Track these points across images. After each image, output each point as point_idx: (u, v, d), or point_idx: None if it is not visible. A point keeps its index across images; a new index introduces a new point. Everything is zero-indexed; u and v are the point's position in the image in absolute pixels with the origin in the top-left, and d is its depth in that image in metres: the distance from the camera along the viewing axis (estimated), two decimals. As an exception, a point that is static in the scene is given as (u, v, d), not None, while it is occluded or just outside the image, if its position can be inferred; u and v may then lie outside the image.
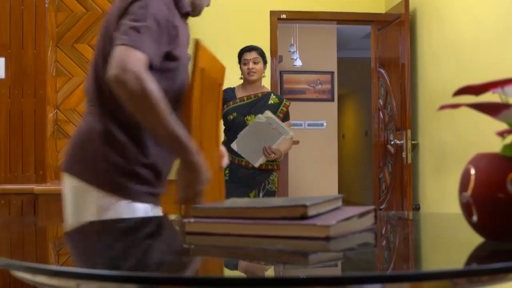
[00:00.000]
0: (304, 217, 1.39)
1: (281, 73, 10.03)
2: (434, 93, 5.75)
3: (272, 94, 4.92)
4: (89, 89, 2.19)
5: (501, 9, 4.51)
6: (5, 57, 3.70)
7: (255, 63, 4.83)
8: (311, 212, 1.41)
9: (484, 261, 1.24)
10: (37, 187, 3.53)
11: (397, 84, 6.23)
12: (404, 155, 5.98)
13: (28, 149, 3.68)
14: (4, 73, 3.69)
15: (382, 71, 6.72)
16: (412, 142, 6.00)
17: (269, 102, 4.84)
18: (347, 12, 6.93)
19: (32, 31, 3.73)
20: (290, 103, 4.96)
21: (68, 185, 2.22)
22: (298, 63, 9.49)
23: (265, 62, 4.92)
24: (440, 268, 1.16)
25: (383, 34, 6.71)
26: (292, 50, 9.48)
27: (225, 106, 4.77)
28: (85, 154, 2.19)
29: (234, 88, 4.94)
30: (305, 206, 1.39)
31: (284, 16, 6.82)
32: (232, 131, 4.75)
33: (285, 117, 4.85)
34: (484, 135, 4.56)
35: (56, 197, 3.49)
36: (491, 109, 1.22)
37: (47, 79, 3.75)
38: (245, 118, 4.76)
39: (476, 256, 1.28)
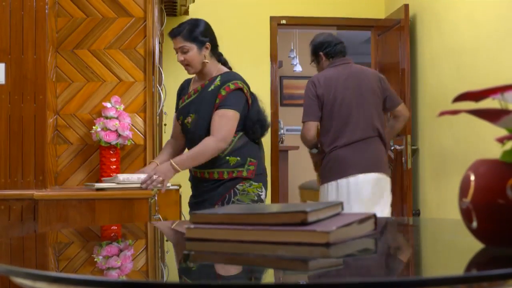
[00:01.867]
0: (304, 223, 1.39)
1: (281, 78, 10.05)
2: (434, 98, 5.75)
3: (218, 77, 3.62)
4: None
5: (501, 14, 4.52)
6: (5, 63, 3.70)
7: (183, 52, 3.60)
8: (311, 218, 1.41)
9: (484, 267, 1.24)
10: (37, 193, 3.52)
11: (397, 89, 6.23)
12: (404, 160, 5.98)
13: (28, 155, 3.68)
14: (4, 78, 3.69)
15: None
16: (412, 147, 6.00)
17: (209, 89, 3.59)
18: (347, 17, 6.94)
19: (32, 36, 3.73)
20: (237, 87, 3.57)
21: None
22: (298, 68, 9.50)
23: (201, 41, 3.61)
24: (440, 275, 1.16)
25: (383, 40, 6.72)
26: (292, 56, 9.50)
27: (180, 102, 3.81)
28: None
29: (190, 80, 3.88)
30: (305, 212, 1.39)
31: (284, 21, 6.83)
32: (187, 137, 3.75)
33: (222, 103, 3.52)
34: (484, 140, 4.56)
35: (56, 203, 3.50)
36: (491, 115, 1.22)
37: (47, 84, 3.75)
38: (185, 121, 3.68)
39: (476, 262, 1.28)
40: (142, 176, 3.47)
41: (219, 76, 3.63)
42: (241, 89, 3.60)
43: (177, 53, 3.63)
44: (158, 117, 4.50)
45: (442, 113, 1.27)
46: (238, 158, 3.59)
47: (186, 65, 3.63)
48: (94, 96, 4.05)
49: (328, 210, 1.52)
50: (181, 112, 3.73)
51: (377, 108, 4.54)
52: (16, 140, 3.68)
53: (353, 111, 4.44)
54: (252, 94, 3.71)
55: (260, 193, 3.65)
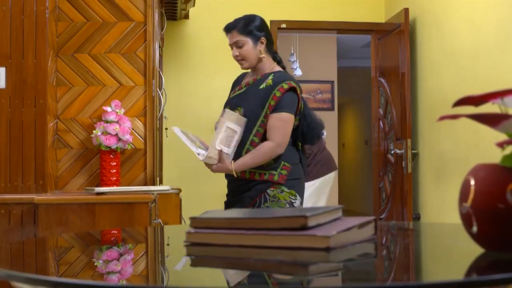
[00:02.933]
0: (304, 227, 1.39)
1: (281, 82, 10.04)
2: (434, 102, 5.76)
3: (270, 76, 3.55)
4: None
5: (501, 18, 4.52)
6: (6, 67, 3.71)
7: (238, 47, 3.56)
8: (311, 222, 1.41)
9: (484, 271, 1.24)
10: (37, 197, 3.52)
11: (397, 93, 6.24)
12: (404, 164, 5.98)
13: (28, 159, 3.68)
14: (5, 83, 3.69)
15: (382, 80, 6.73)
16: (412, 151, 6.00)
17: (261, 87, 3.52)
18: (347, 21, 6.94)
19: (33, 40, 3.74)
20: (290, 86, 3.49)
21: None
22: (298, 72, 9.50)
23: (256, 35, 3.57)
24: (440, 279, 1.16)
25: (383, 43, 6.73)
26: (292, 60, 9.50)
27: (231, 93, 3.75)
28: None
29: (245, 74, 3.82)
30: (305, 217, 1.39)
31: (284, 25, 6.83)
32: None
33: (278, 106, 3.46)
34: (484, 144, 4.56)
35: (56, 207, 3.50)
36: (491, 120, 1.22)
37: (48, 88, 3.75)
38: None
39: (476, 266, 1.28)
40: (202, 152, 3.44)
41: (272, 75, 3.56)
42: (294, 89, 3.52)
43: (232, 48, 3.59)
44: (158, 121, 4.50)
45: (442, 118, 1.27)
46: (272, 161, 3.48)
47: (241, 59, 3.58)
48: (94, 100, 4.05)
49: (328, 215, 1.52)
50: (229, 102, 3.65)
51: None
52: (17, 145, 3.69)
53: None
54: (302, 97, 3.64)
55: (293, 201, 3.49)
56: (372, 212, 7.34)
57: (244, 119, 3.45)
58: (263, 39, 3.58)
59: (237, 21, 3.59)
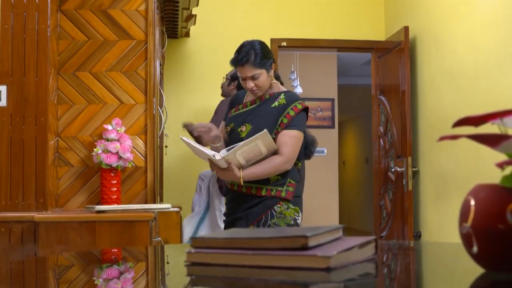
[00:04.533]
0: (305, 247, 1.39)
1: (281, 100, 10.05)
2: (434, 120, 5.77)
3: (282, 95, 3.61)
4: None
5: (501, 37, 4.54)
6: (7, 85, 3.72)
7: (254, 78, 3.55)
8: (311, 242, 1.41)
9: (485, 292, 1.24)
10: (37, 215, 3.52)
11: (398, 111, 6.25)
12: (404, 182, 5.98)
13: (29, 177, 3.69)
14: (6, 100, 3.70)
15: (383, 98, 6.75)
16: (413, 169, 6.01)
17: (273, 105, 3.57)
18: (348, 39, 6.97)
19: (34, 59, 3.75)
20: (304, 106, 3.58)
21: None
22: (299, 90, 9.51)
23: (268, 66, 3.58)
24: (440, 300, 1.16)
25: (383, 61, 6.75)
26: (293, 77, 9.52)
27: (232, 111, 3.76)
28: None
29: (245, 92, 3.80)
30: (305, 237, 1.39)
31: (284, 43, 6.86)
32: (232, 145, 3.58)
33: (290, 123, 3.51)
34: (484, 162, 4.57)
35: (57, 225, 3.50)
36: (490, 141, 1.23)
37: (49, 106, 3.76)
38: (239, 130, 3.60)
39: (477, 287, 1.28)
40: (213, 154, 3.40)
41: (283, 94, 3.62)
42: (307, 109, 3.61)
43: (244, 79, 3.58)
44: (159, 139, 4.50)
45: (442, 138, 1.27)
46: (279, 177, 3.52)
47: (256, 90, 3.59)
48: (95, 118, 4.06)
49: (329, 234, 1.52)
50: (232, 120, 3.68)
51: None
52: (17, 162, 3.69)
53: None
54: None
55: (297, 217, 3.56)
56: (373, 230, 7.33)
57: (275, 148, 3.45)
58: (273, 65, 3.63)
59: (247, 54, 3.56)
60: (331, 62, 10.38)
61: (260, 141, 3.33)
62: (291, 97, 3.61)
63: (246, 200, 3.54)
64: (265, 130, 3.33)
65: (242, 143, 3.36)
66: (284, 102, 3.56)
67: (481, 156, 4.62)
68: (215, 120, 5.11)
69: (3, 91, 3.71)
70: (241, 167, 3.42)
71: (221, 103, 5.42)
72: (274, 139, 3.46)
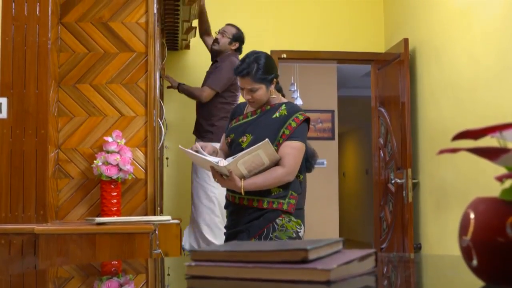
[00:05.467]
0: (305, 260, 1.39)
1: (281, 111, 10.05)
2: (434, 132, 5.77)
3: (283, 106, 3.59)
4: None
5: (500, 49, 4.55)
6: (7, 97, 3.73)
7: (251, 90, 3.54)
8: (311, 255, 1.41)
9: (485, 305, 1.24)
10: (37, 227, 3.52)
11: (397, 123, 6.26)
12: (404, 194, 5.98)
13: (29, 189, 3.69)
14: (6, 113, 3.71)
15: (382, 109, 6.75)
16: (413, 180, 6.00)
17: (274, 116, 3.55)
18: (347, 51, 6.98)
19: (35, 71, 3.76)
20: (306, 117, 3.57)
21: None
22: (299, 101, 9.51)
23: (268, 82, 3.56)
24: (441, 313, 1.16)
25: (383, 73, 6.76)
26: (293, 89, 9.52)
27: (233, 122, 3.74)
28: None
29: (245, 103, 3.77)
30: (305, 250, 1.39)
31: (284, 55, 6.87)
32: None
33: (294, 134, 3.49)
34: (484, 174, 4.56)
35: (57, 237, 3.50)
36: (490, 154, 1.23)
37: (49, 119, 3.76)
38: (240, 140, 3.57)
39: (477, 300, 1.28)
40: (217, 160, 3.38)
41: (284, 105, 3.60)
42: (308, 121, 3.60)
43: (242, 89, 3.58)
44: (159, 151, 4.51)
45: (442, 152, 1.28)
46: (281, 189, 3.48)
47: (252, 102, 3.59)
48: (96, 131, 4.07)
49: (329, 247, 1.52)
50: (233, 131, 3.66)
51: None
52: (17, 174, 3.69)
53: None
54: None
55: (299, 230, 3.53)
56: (373, 242, 7.32)
57: (277, 158, 3.43)
58: (274, 80, 3.61)
59: (249, 66, 3.54)
60: (331, 74, 10.40)
61: (262, 151, 3.32)
62: (292, 108, 3.59)
63: (247, 213, 3.50)
64: (266, 139, 3.30)
65: (243, 152, 3.34)
66: (285, 113, 3.54)
67: (481, 168, 4.62)
68: (213, 77, 5.59)
69: (3, 103, 3.71)
70: (242, 177, 3.40)
71: (223, 60, 5.79)
72: (276, 150, 3.44)
